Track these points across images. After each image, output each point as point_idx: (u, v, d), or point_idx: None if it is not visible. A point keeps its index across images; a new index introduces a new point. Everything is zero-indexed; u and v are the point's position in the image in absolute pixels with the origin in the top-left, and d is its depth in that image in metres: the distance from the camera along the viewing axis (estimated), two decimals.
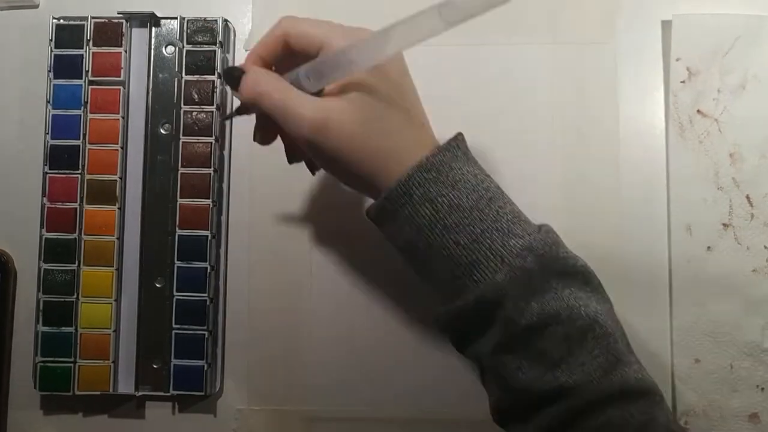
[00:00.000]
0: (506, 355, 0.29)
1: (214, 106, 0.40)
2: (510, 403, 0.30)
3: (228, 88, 0.42)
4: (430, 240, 0.30)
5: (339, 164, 0.31)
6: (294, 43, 0.31)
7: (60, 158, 0.40)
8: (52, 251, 0.40)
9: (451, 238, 0.30)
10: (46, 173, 0.40)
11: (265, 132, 0.34)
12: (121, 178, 0.40)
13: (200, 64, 0.40)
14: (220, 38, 0.40)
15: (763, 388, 0.39)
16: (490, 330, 0.30)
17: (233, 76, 0.31)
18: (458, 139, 0.32)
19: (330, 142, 0.29)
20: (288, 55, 0.32)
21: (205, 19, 0.41)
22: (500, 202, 0.31)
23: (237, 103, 0.42)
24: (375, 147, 0.30)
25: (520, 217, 0.31)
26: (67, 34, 0.41)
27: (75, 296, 0.40)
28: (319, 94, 0.31)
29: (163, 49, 0.41)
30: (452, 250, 0.30)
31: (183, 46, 0.41)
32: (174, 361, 0.39)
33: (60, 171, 0.40)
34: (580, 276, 0.30)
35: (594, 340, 0.29)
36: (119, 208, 0.40)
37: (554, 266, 0.30)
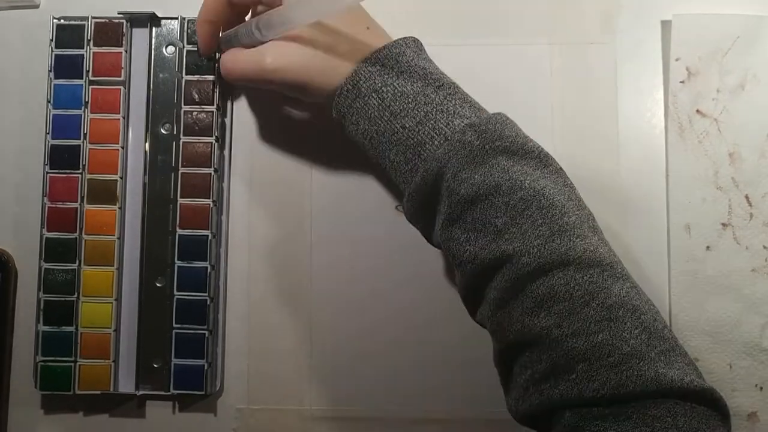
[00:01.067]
0: (453, 228, 0.31)
1: (215, 106, 0.40)
2: (466, 281, 0.31)
3: (228, 88, 0.42)
4: (381, 128, 0.32)
5: (284, 87, 0.35)
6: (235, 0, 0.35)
7: (60, 158, 0.40)
8: (53, 251, 0.40)
9: (398, 123, 0.32)
10: (47, 173, 0.40)
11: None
12: (121, 178, 0.40)
13: (200, 64, 0.40)
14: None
15: (762, 388, 0.39)
16: (439, 206, 0.31)
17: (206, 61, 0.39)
18: (408, 39, 0.34)
19: (289, 74, 0.34)
20: (230, 12, 0.36)
21: None
22: (450, 90, 0.33)
23: (234, 103, 0.43)
24: (324, 64, 0.33)
25: (471, 103, 0.33)
26: (67, 34, 0.41)
27: (75, 296, 0.40)
28: None
29: (164, 49, 0.41)
30: (400, 134, 0.32)
31: (183, 46, 0.41)
32: (174, 361, 0.39)
33: (60, 171, 0.40)
34: (534, 156, 0.31)
35: (539, 210, 0.29)
36: (120, 208, 0.40)
37: (498, 143, 0.31)
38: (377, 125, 0.32)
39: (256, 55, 0.34)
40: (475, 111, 0.32)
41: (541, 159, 0.32)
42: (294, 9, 0.31)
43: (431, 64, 0.34)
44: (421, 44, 0.35)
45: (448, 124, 0.31)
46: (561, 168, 0.32)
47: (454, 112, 0.31)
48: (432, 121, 0.31)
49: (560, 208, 0.30)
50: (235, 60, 0.35)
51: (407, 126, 0.32)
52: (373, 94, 0.32)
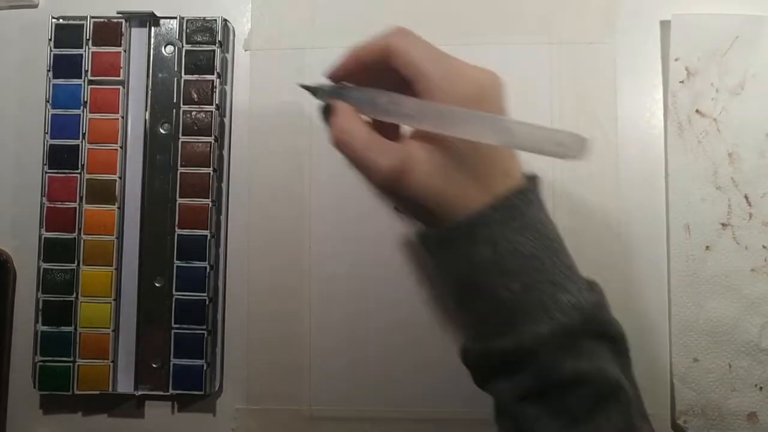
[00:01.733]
0: (530, 405, 0.29)
1: (214, 106, 0.40)
2: None
3: (227, 88, 0.42)
4: (483, 280, 0.30)
5: (407, 205, 0.31)
6: (393, 59, 0.30)
7: (59, 158, 0.40)
8: (52, 251, 0.40)
9: (504, 282, 0.29)
10: (46, 173, 0.40)
11: None
12: (120, 178, 0.40)
13: (199, 63, 0.40)
14: (219, 38, 0.41)
15: (761, 387, 0.39)
16: (518, 376, 0.30)
17: (324, 112, 0.32)
18: (534, 182, 0.31)
19: (404, 191, 0.30)
20: (384, 65, 0.31)
21: (204, 19, 0.41)
22: (560, 254, 0.30)
23: (235, 105, 0.43)
24: (450, 194, 0.30)
25: (573, 270, 0.31)
26: (66, 33, 0.41)
27: (74, 296, 0.40)
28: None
29: (163, 48, 0.41)
30: (502, 294, 0.29)
31: (182, 46, 0.41)
32: (173, 361, 0.39)
33: (59, 170, 0.40)
34: (614, 341, 0.31)
35: (616, 404, 0.29)
36: (119, 208, 0.40)
37: (595, 329, 0.30)
38: (481, 276, 0.30)
39: (378, 146, 0.30)
40: (578, 283, 0.30)
41: (618, 342, 0.31)
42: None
43: (544, 212, 0.31)
44: (540, 182, 0.31)
45: (554, 299, 0.29)
46: (628, 348, 0.32)
47: (561, 284, 0.29)
48: (539, 292, 0.29)
49: (632, 404, 0.30)
50: (353, 133, 0.30)
51: (512, 289, 0.29)
52: (488, 245, 0.29)
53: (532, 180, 0.31)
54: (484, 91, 0.30)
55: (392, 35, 0.30)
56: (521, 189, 0.30)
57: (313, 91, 0.33)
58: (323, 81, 0.33)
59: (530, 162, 0.41)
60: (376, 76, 0.31)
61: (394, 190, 0.30)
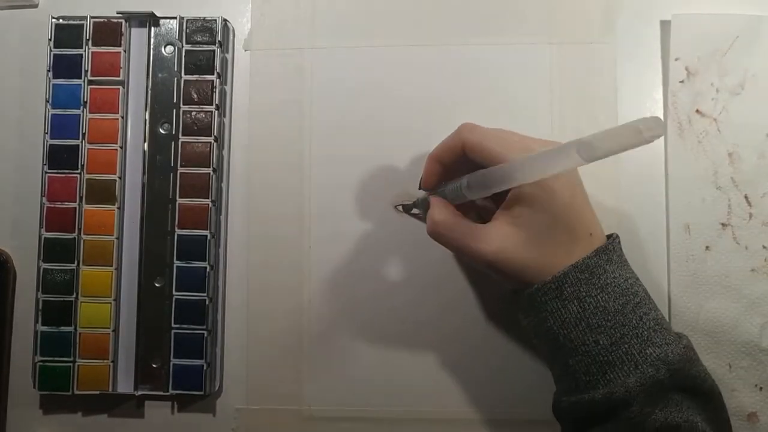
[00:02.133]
0: None
1: (214, 106, 0.40)
2: None
3: (226, 88, 0.42)
4: (572, 335, 0.32)
5: (500, 275, 0.33)
6: (469, 153, 0.33)
7: (59, 158, 0.40)
8: (52, 251, 0.40)
9: (592, 337, 0.31)
10: (46, 173, 0.40)
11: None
12: (120, 178, 0.40)
13: (199, 63, 0.40)
14: (219, 38, 0.41)
15: (761, 388, 0.39)
16: (609, 425, 0.31)
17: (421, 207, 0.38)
18: (615, 242, 0.33)
19: (504, 268, 0.32)
20: (462, 160, 0.34)
21: (204, 19, 0.41)
22: (645, 309, 0.32)
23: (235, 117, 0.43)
24: (540, 263, 0.32)
25: (661, 324, 0.32)
26: (66, 33, 0.41)
27: (74, 296, 0.40)
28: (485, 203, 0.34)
29: (163, 48, 0.41)
30: (591, 347, 0.31)
31: (182, 46, 0.41)
32: (173, 361, 0.39)
33: (59, 171, 0.40)
34: (703, 396, 0.32)
35: None
36: (118, 208, 0.40)
37: (684, 382, 0.31)
38: (569, 331, 0.32)
39: (475, 234, 0.33)
40: (665, 338, 0.32)
41: (708, 396, 0.32)
42: (514, 165, 0.29)
43: (628, 270, 0.33)
44: (620, 242, 0.34)
45: (641, 352, 0.31)
46: (728, 418, 0.33)
47: (648, 338, 0.31)
48: (626, 345, 0.31)
49: None
50: (448, 227, 0.33)
51: (601, 343, 0.31)
52: (575, 301, 0.31)
53: (612, 239, 0.33)
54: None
55: (462, 131, 0.33)
56: (602, 249, 0.32)
57: (413, 206, 0.40)
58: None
59: None
60: (458, 175, 0.34)
61: (495, 268, 0.32)
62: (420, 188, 0.38)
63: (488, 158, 0.32)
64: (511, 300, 0.35)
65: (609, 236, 0.34)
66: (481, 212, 0.38)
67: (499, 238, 0.32)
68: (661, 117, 0.41)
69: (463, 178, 0.32)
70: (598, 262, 0.32)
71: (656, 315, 0.33)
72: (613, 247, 0.33)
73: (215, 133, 0.40)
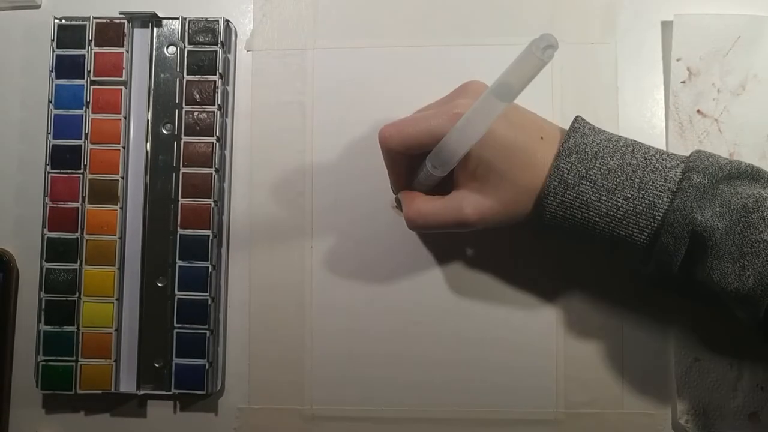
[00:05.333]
0: (724, 264, 0.30)
1: (216, 106, 0.40)
2: (756, 313, 0.31)
3: (229, 88, 0.42)
4: (602, 210, 0.32)
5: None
6: (407, 151, 0.34)
7: (62, 158, 0.40)
8: (54, 250, 0.40)
9: (619, 196, 0.32)
10: (48, 173, 0.40)
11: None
12: (122, 178, 0.40)
13: (202, 64, 0.40)
14: (221, 38, 0.41)
15: (763, 388, 0.39)
16: (696, 253, 0.31)
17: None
18: (578, 120, 0.34)
19: (497, 216, 0.34)
20: (410, 157, 0.35)
21: (206, 20, 0.41)
22: (642, 149, 0.33)
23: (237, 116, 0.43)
24: (522, 187, 0.33)
25: (665, 153, 0.33)
26: (68, 34, 0.41)
27: (77, 295, 0.40)
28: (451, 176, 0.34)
29: (165, 49, 0.41)
30: (625, 207, 0.32)
31: (184, 47, 0.41)
32: (175, 360, 0.39)
33: (62, 171, 0.40)
34: (747, 174, 0.32)
35: None
36: (121, 208, 0.40)
37: (720, 174, 0.31)
38: (597, 209, 0.32)
39: (449, 206, 0.34)
40: (677, 158, 0.33)
41: (753, 173, 0.32)
42: (452, 139, 0.31)
43: (604, 133, 0.34)
44: (584, 119, 0.35)
45: (666, 178, 0.32)
46: None
47: (661, 167, 0.32)
48: (650, 182, 0.32)
49: None
50: (421, 213, 0.35)
51: (629, 196, 0.32)
52: (582, 181, 0.32)
53: (575, 120, 0.34)
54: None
55: (382, 143, 0.35)
56: (571, 129, 0.33)
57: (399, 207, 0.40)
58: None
59: None
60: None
61: (493, 221, 0.34)
62: (395, 194, 0.39)
63: (423, 143, 0.33)
64: (535, 230, 0.35)
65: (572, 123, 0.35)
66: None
67: (470, 197, 0.34)
68: (663, 117, 0.41)
69: (426, 161, 0.33)
70: (575, 140, 0.33)
71: (655, 149, 0.33)
72: (580, 124, 0.34)
73: (217, 134, 0.40)
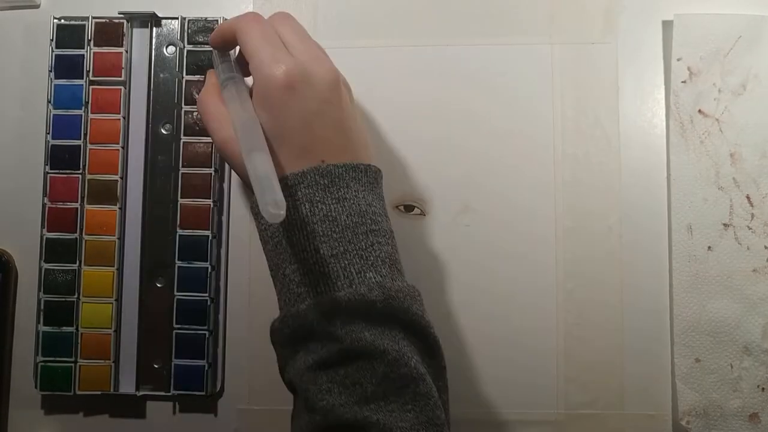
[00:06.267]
0: (319, 373, 0.29)
1: None
2: (313, 428, 0.29)
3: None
4: (293, 239, 0.30)
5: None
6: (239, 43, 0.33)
7: (61, 158, 0.40)
8: (53, 251, 0.40)
9: (314, 244, 0.30)
10: (47, 173, 0.40)
11: None
12: (122, 178, 0.40)
13: (201, 64, 0.40)
14: None
15: (763, 388, 0.39)
16: (313, 344, 0.29)
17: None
18: (372, 169, 0.32)
19: (231, 157, 0.33)
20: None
21: (205, 19, 0.41)
22: (380, 239, 0.30)
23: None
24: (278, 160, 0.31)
25: (393, 262, 0.31)
26: (68, 34, 0.41)
27: (76, 296, 0.40)
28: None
29: (164, 49, 0.41)
30: (310, 255, 0.30)
31: (184, 46, 0.41)
32: (175, 361, 0.39)
33: (61, 171, 0.40)
34: (428, 344, 0.30)
35: (413, 395, 0.28)
36: (120, 208, 0.40)
37: (401, 315, 0.29)
38: (293, 235, 0.30)
39: (216, 117, 0.33)
40: (394, 275, 0.30)
41: (434, 350, 0.31)
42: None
43: (379, 202, 0.32)
44: (380, 174, 0.33)
45: (360, 272, 0.29)
46: (445, 366, 0.31)
47: (372, 264, 0.30)
48: (346, 261, 0.29)
49: (434, 401, 0.29)
50: (203, 104, 0.34)
51: (321, 252, 0.29)
52: (307, 204, 0.30)
53: (371, 166, 0.32)
54: (292, 79, 0.31)
55: (240, 18, 0.33)
56: (353, 166, 0.31)
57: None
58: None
59: (529, 156, 0.41)
60: None
61: (224, 155, 0.33)
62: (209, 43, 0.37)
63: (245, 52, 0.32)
64: (252, 210, 0.33)
65: (376, 168, 0.33)
66: None
67: (226, 127, 0.32)
68: (663, 117, 0.41)
69: (228, 69, 0.34)
70: (344, 174, 0.31)
71: (391, 252, 0.31)
72: (368, 172, 0.32)
73: None
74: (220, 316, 0.41)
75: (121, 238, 0.40)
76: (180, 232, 0.40)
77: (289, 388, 0.31)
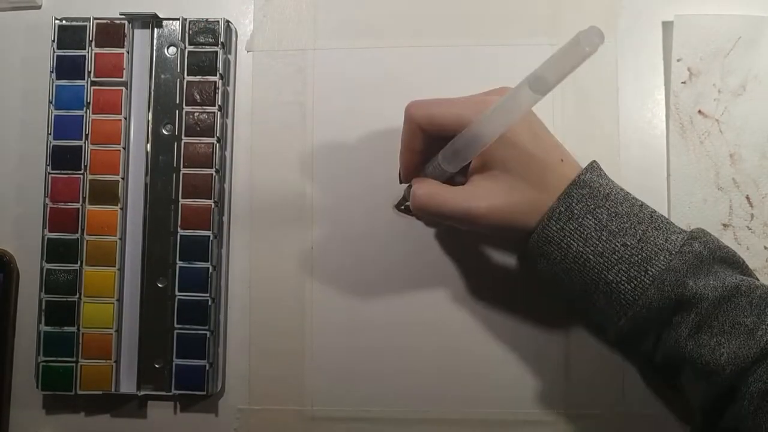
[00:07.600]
0: (701, 335, 0.30)
1: (216, 107, 0.40)
2: (718, 389, 0.30)
3: (229, 89, 0.42)
4: (598, 248, 0.32)
5: (496, 232, 0.35)
6: (428, 128, 0.34)
7: (62, 158, 0.40)
8: (55, 251, 0.40)
9: (619, 241, 0.32)
10: (49, 173, 0.40)
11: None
12: (123, 179, 0.40)
13: (202, 64, 0.40)
14: (221, 39, 0.41)
15: None
16: (676, 317, 0.31)
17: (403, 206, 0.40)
18: (595, 163, 0.34)
19: (500, 220, 0.33)
20: (427, 140, 0.34)
21: (206, 20, 0.41)
22: (650, 209, 0.33)
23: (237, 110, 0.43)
24: (528, 202, 0.33)
25: (669, 220, 0.33)
26: (69, 34, 0.41)
27: (77, 296, 0.40)
28: (465, 169, 0.35)
29: (165, 49, 0.41)
30: (621, 252, 0.32)
31: (185, 47, 0.41)
32: (176, 361, 0.39)
33: (62, 171, 0.40)
34: (738, 265, 0.32)
35: None
36: (121, 209, 0.40)
37: (719, 253, 0.32)
38: (594, 245, 0.32)
39: (461, 195, 0.33)
40: (677, 226, 0.33)
41: (744, 267, 0.33)
42: (478, 126, 0.30)
43: (617, 185, 0.34)
44: (600, 166, 0.35)
45: (667, 239, 0.32)
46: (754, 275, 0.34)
47: (666, 228, 0.32)
48: (652, 238, 0.32)
49: None
50: (432, 196, 0.34)
51: (629, 244, 0.31)
52: (588, 215, 0.32)
53: (591, 163, 0.34)
54: None
55: (410, 110, 0.34)
56: (590, 166, 0.34)
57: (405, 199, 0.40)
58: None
59: None
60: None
61: (491, 223, 0.33)
62: (401, 182, 0.38)
63: (447, 125, 0.33)
64: (523, 253, 0.35)
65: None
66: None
67: (483, 193, 0.33)
68: (663, 118, 0.41)
69: (438, 155, 0.33)
70: (592, 177, 0.33)
71: (662, 214, 0.33)
72: (597, 166, 0.34)
73: (218, 134, 0.40)
74: (221, 316, 0.41)
75: (123, 238, 0.41)
76: (181, 232, 0.40)
77: (668, 365, 0.33)
